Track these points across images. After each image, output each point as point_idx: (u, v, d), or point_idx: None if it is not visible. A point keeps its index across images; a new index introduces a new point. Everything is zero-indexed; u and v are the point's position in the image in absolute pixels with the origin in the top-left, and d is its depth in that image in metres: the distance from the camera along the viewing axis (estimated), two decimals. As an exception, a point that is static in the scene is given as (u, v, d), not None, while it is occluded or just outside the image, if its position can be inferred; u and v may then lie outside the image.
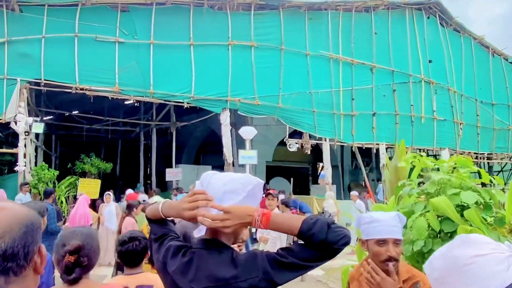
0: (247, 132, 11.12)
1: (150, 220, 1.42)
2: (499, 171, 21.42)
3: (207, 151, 22.58)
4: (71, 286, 1.55)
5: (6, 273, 0.74)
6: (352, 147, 13.37)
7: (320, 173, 28.20)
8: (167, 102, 11.25)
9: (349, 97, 12.93)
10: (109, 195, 8.46)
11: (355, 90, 12.99)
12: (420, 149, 14.99)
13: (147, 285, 2.13)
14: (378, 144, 13.34)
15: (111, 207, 8.20)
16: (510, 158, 17.27)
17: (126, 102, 21.28)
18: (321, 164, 25.55)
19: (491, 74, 16.10)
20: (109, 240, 7.68)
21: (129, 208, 5.27)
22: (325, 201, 10.25)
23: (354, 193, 10.07)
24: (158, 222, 1.39)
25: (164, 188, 17.20)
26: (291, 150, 12.17)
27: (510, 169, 21.59)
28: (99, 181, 10.71)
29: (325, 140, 12.58)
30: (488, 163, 18.09)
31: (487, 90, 15.91)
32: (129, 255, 2.19)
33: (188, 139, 20.58)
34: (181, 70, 10.75)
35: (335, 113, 12.60)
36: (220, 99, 10.98)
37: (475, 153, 15.39)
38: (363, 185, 21.18)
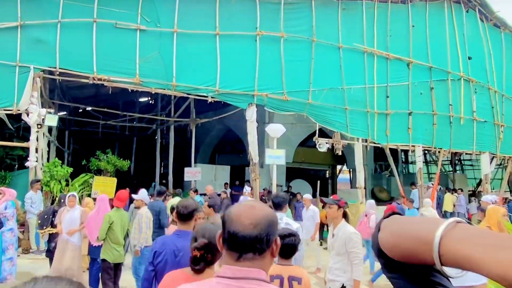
0: (275, 130, 10.24)
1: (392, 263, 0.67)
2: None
3: (223, 150, 21.79)
4: (196, 275, 1.82)
5: (254, 251, 1.08)
6: (376, 149, 12.41)
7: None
8: (190, 96, 10.43)
9: (383, 94, 11.96)
10: (74, 196, 6.16)
11: (390, 87, 12.01)
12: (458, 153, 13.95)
13: (297, 276, 2.39)
14: (414, 146, 12.34)
15: (74, 213, 5.93)
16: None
17: (141, 99, 20.70)
18: (341, 166, 24.58)
19: (534, 73, 14.95)
20: (65, 256, 5.67)
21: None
22: (423, 209, 9.02)
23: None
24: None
25: (180, 188, 16.43)
26: (321, 150, 11.24)
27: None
28: (115, 180, 9.94)
29: (358, 141, 11.62)
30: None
31: (529, 90, 14.77)
32: (286, 248, 2.49)
33: (204, 137, 19.78)
34: (205, 62, 9.92)
35: (369, 111, 11.63)
36: (246, 93, 10.12)
37: (516, 158, 14.30)
38: (387, 189, 20.15)
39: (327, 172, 23.88)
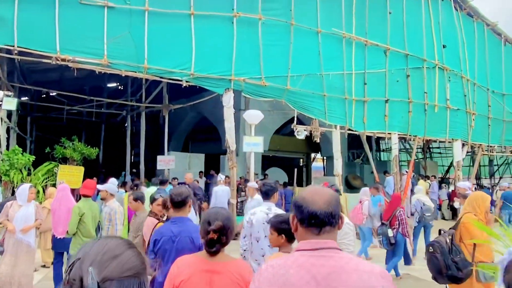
0: (253, 116, 9.93)
1: None
2: (501, 164, 21.02)
3: (197, 138, 21.25)
4: (211, 257, 1.92)
5: (330, 225, 1.31)
6: (349, 137, 12.34)
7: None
8: (163, 79, 9.85)
9: (361, 81, 11.85)
10: (33, 187, 5.23)
11: (367, 74, 11.91)
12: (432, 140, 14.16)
13: None
14: (390, 133, 12.37)
15: (28, 209, 5.02)
16: (511, 151, 16.61)
17: (110, 85, 19.72)
18: (315, 154, 24.63)
19: (503, 63, 15.34)
20: (19, 260, 4.84)
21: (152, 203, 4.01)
22: (418, 195, 8.42)
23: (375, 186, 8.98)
24: None
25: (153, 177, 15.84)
26: (299, 137, 11.02)
27: (504, 163, 21.22)
28: (82, 169, 9.32)
29: (336, 128, 11.48)
30: (488, 156, 17.54)
31: (498, 79, 15.16)
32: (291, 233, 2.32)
33: (177, 125, 19.16)
34: (179, 43, 9.36)
35: (347, 98, 11.50)
36: (223, 78, 9.67)
37: (486, 145, 14.69)
38: (360, 177, 20.37)
39: (301, 160, 23.88)
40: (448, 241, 3.43)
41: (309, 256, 1.27)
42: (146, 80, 14.33)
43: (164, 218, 3.36)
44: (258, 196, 7.80)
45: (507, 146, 15.40)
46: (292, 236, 2.49)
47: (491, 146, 14.90)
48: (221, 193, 9.06)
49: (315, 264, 1.25)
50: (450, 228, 3.66)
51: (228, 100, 9.63)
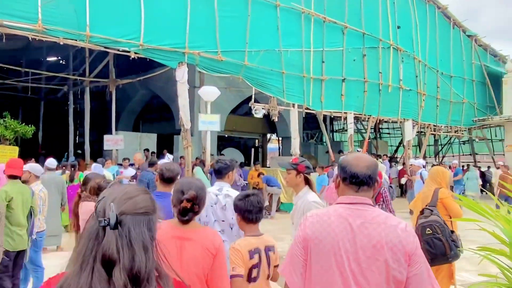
0: (209, 93, 9.37)
1: None
2: (445, 144, 22.22)
3: (149, 117, 20.21)
4: (183, 225, 1.96)
5: (368, 185, 1.57)
6: (303, 116, 12.22)
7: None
8: (108, 50, 8.93)
9: (319, 59, 11.67)
10: None
11: (325, 52, 11.74)
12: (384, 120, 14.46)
13: (271, 245, 2.30)
14: (346, 113, 12.40)
15: None
16: (456, 131, 17.52)
17: (50, 58, 17.94)
18: (271, 135, 24.52)
19: (451, 46, 15.92)
20: None
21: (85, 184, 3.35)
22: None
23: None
24: None
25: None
26: (257, 116, 10.68)
27: (448, 143, 22.52)
28: (16, 149, 8.29)
29: (293, 107, 11.25)
30: (434, 136, 18.41)
31: (446, 62, 15.73)
32: (254, 210, 2.33)
33: (126, 103, 18.01)
34: (127, 10, 8.46)
35: (305, 76, 11.27)
36: (176, 50, 8.97)
37: (434, 125, 15.30)
38: (315, 157, 20.60)
39: (258, 140, 23.68)
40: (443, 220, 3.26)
41: (347, 208, 1.55)
42: (91, 52, 13.12)
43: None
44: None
45: (452, 126, 16.18)
46: (251, 219, 2.33)
47: (436, 126, 15.54)
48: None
49: (352, 215, 1.53)
50: (428, 206, 3.50)
51: (181, 75, 8.97)
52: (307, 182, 2.95)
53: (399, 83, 13.65)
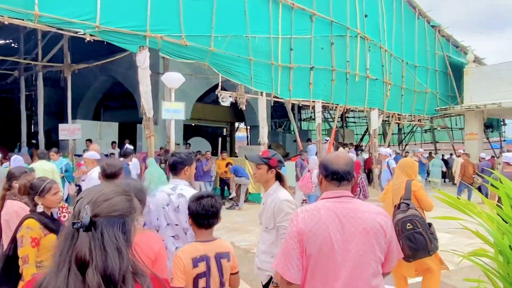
0: (172, 79, 8.85)
1: None
2: (408, 133, 22.82)
3: (110, 106, 19.28)
4: None
5: (347, 180, 1.78)
6: (272, 104, 12.01)
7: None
8: (61, 32, 8.20)
9: (287, 46, 11.41)
10: None
11: (294, 40, 11.49)
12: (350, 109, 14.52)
13: (225, 252, 2.07)
14: (314, 101, 12.28)
15: None
16: (419, 120, 17.96)
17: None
18: (239, 124, 24.20)
19: (416, 36, 16.16)
20: None
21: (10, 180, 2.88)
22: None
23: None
24: None
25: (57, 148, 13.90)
26: (224, 104, 10.30)
27: (410, 131, 23.18)
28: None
29: (261, 95, 10.98)
30: (398, 124, 18.82)
31: (411, 51, 15.97)
32: (206, 214, 2.07)
33: (85, 90, 17.04)
34: (80, -12, 7.79)
35: (273, 64, 10.99)
36: (136, 33, 8.39)
37: (398, 114, 15.56)
38: (283, 145, 20.54)
39: (225, 129, 23.29)
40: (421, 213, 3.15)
41: (333, 201, 1.74)
42: (44, 35, 12.14)
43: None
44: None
45: (416, 115, 16.55)
46: (202, 224, 2.09)
47: (400, 115, 15.82)
48: (131, 166, 8.01)
49: (338, 207, 1.71)
50: (403, 199, 3.36)
51: (142, 60, 8.42)
52: (278, 177, 2.67)
53: (365, 72, 13.69)
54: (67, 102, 11.10)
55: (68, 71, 10.83)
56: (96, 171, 4.79)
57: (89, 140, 11.19)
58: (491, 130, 20.86)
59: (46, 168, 5.57)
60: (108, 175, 2.65)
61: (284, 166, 2.80)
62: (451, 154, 18.38)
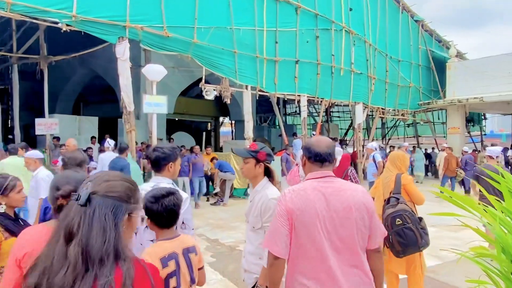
0: (154, 71, 8.59)
1: None
2: (391, 127, 23.02)
3: (91, 100, 18.74)
4: None
5: (329, 161, 1.94)
6: (257, 98, 11.81)
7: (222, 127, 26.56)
8: (35, 21, 7.79)
9: (272, 39, 11.23)
10: None
11: (279, 32, 11.31)
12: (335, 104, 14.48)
13: (191, 246, 1.96)
14: (299, 95, 12.16)
15: None
16: (402, 115, 18.08)
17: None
18: (223, 118, 23.94)
19: (400, 31, 16.20)
20: None
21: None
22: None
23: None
24: None
25: (33, 144, 13.41)
26: (208, 98, 10.07)
27: (393, 126, 23.40)
28: None
29: (247, 88, 10.78)
30: (381, 119, 18.94)
31: (395, 46, 16.00)
32: (167, 213, 1.90)
33: (64, 84, 16.50)
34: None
35: (258, 56, 10.80)
36: (115, 23, 8.06)
37: (382, 108, 15.60)
38: (268, 140, 20.43)
39: (210, 124, 23.01)
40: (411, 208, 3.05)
41: (318, 181, 1.88)
42: (19, 25, 11.60)
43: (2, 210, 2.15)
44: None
45: (399, 110, 16.64)
46: (165, 224, 1.93)
47: (384, 109, 15.87)
48: (108, 161, 7.71)
49: (323, 186, 1.86)
50: (393, 193, 3.25)
51: (122, 51, 8.10)
52: (267, 172, 2.49)
53: (350, 66, 13.64)
54: (44, 95, 10.66)
55: (45, 63, 10.39)
56: (42, 171, 4.49)
57: (57, 138, 10.80)
58: (472, 124, 21.21)
59: (17, 164, 5.26)
60: (69, 169, 2.46)
61: (273, 160, 2.63)
62: (433, 148, 18.60)
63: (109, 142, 7.84)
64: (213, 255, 5.44)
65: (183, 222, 2.17)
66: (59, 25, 7.59)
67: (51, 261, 1.02)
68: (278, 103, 16.61)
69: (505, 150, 14.90)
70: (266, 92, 11.29)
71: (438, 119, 21.35)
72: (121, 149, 6.89)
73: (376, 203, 3.46)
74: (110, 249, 1.03)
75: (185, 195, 2.16)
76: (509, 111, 18.78)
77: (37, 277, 1.02)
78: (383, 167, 8.04)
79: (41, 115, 11.76)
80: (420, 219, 3.10)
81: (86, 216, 1.04)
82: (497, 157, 5.60)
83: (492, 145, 10.44)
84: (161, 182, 2.30)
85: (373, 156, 8.12)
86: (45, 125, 10.04)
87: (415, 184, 3.56)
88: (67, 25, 7.56)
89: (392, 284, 3.49)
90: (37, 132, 10.09)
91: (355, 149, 14.46)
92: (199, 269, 1.97)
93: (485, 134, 23.35)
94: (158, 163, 2.36)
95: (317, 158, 1.89)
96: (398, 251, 2.98)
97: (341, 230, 1.76)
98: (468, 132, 20.64)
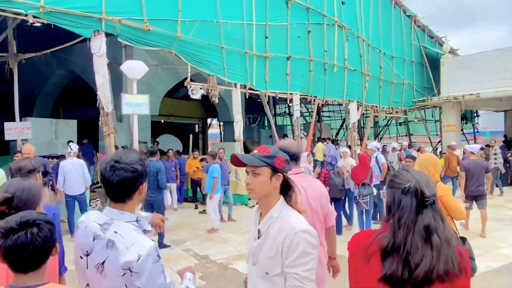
0: (134, 68, 7.78)
1: None
2: (384, 126, 22.54)
3: (70, 103, 17.76)
4: None
5: (296, 160, 2.55)
6: (246, 97, 11.11)
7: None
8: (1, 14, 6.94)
9: (262, 34, 10.55)
10: None
11: (269, 27, 10.64)
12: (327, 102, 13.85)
13: None
14: (291, 93, 11.49)
15: None
16: (396, 113, 17.57)
17: None
18: (211, 120, 23.14)
19: (393, 26, 15.70)
20: None
21: None
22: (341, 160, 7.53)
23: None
24: None
25: (6, 151, 12.45)
26: (194, 97, 9.31)
27: (386, 125, 22.96)
28: None
29: (236, 87, 10.07)
30: (374, 117, 18.42)
31: (388, 42, 15.49)
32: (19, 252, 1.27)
33: (41, 86, 15.53)
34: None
35: (247, 52, 10.10)
36: (90, 15, 7.26)
37: (376, 106, 15.06)
38: (258, 142, 19.71)
39: (197, 126, 22.19)
40: None
41: (296, 176, 2.18)
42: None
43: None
44: None
45: (393, 107, 16.13)
46: (18, 268, 1.34)
47: (378, 107, 15.34)
48: (71, 167, 6.88)
49: (300, 180, 2.25)
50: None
51: (98, 46, 7.31)
52: (285, 190, 1.75)
53: (344, 63, 13.05)
54: (14, 97, 9.77)
55: (14, 61, 9.48)
56: None
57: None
58: (465, 121, 20.89)
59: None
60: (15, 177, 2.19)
61: (290, 169, 1.91)
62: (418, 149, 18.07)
63: (71, 147, 7.05)
64: (202, 277, 4.71)
65: None
66: (26, 17, 6.77)
67: None
68: (268, 103, 15.98)
69: (503, 147, 14.52)
70: (257, 91, 10.60)
71: (432, 117, 20.96)
72: (152, 153, 6.92)
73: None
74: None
75: (148, 244, 1.39)
76: (501, 108, 18.46)
77: None
78: (388, 169, 7.44)
79: (11, 119, 10.84)
80: (464, 240, 2.44)
81: None
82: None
83: (491, 143, 10.36)
84: (115, 219, 1.45)
85: (376, 157, 7.48)
86: (15, 130, 9.14)
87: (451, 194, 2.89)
88: (34, 16, 6.74)
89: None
90: (7, 137, 9.17)
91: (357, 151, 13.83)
92: None
93: (477, 131, 23.08)
94: (122, 188, 1.45)
95: (293, 157, 2.32)
96: None
97: (316, 211, 2.44)
98: (461, 130, 20.29)
